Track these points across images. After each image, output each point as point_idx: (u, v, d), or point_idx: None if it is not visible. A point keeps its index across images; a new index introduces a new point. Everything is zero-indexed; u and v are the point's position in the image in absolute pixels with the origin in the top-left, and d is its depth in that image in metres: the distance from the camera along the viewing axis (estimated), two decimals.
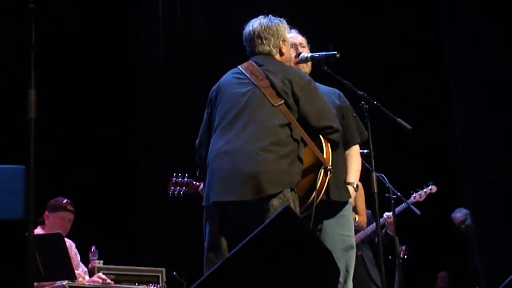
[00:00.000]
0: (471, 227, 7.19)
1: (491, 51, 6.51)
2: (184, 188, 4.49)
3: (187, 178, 4.49)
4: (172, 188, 4.49)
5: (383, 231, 6.24)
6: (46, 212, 5.79)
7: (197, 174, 4.11)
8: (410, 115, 4.34)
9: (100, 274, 5.62)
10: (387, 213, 6.03)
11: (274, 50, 3.99)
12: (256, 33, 3.98)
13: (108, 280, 5.55)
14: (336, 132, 3.83)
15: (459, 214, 7.38)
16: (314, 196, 3.70)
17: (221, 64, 4.35)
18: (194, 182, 4.43)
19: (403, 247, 6.60)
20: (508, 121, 6.33)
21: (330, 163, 3.75)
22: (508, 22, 6.45)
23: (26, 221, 2.97)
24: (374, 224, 5.88)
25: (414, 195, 6.47)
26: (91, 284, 5.48)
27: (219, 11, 7.95)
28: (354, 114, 4.16)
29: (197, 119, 4.12)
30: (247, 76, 3.87)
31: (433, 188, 6.53)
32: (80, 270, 5.71)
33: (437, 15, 6.89)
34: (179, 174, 4.46)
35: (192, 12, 8.31)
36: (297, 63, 4.18)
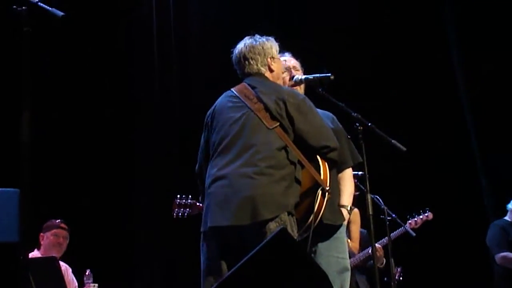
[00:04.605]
0: None
1: None
2: (188, 209, 4.48)
3: (190, 200, 4.48)
4: (176, 210, 4.48)
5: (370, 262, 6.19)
6: (41, 233, 5.82)
7: (200, 199, 4.11)
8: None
9: None
10: (377, 245, 5.84)
11: (262, 69, 4.00)
12: (242, 55, 4.01)
13: None
14: (334, 151, 3.81)
15: None
16: (312, 219, 3.67)
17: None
18: (198, 203, 4.42)
19: (399, 269, 6.58)
20: None
21: (328, 184, 3.73)
22: None
23: (21, 244, 2.96)
24: (365, 251, 5.87)
25: (410, 221, 6.45)
26: None
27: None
28: (349, 136, 4.16)
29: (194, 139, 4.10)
30: (241, 99, 3.88)
31: (429, 215, 6.53)
32: None
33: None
34: (183, 196, 4.45)
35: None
36: (291, 86, 4.17)
